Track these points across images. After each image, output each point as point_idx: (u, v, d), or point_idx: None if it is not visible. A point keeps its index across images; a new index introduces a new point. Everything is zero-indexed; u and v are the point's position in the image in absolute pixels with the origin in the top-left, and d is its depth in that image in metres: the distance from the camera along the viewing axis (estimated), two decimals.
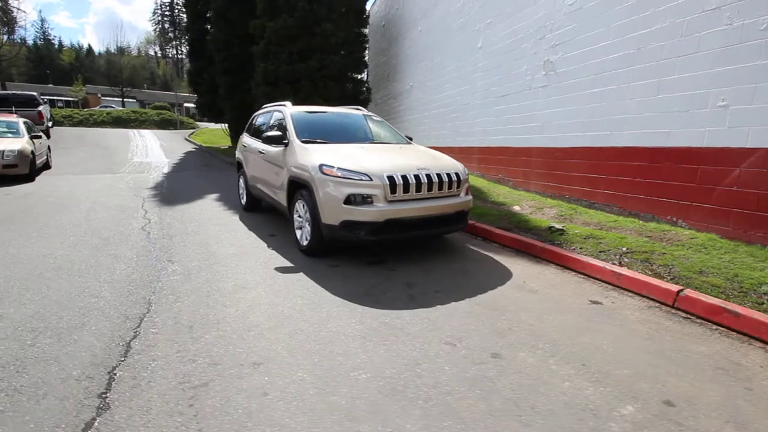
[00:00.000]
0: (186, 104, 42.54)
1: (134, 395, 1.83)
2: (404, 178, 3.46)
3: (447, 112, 10.06)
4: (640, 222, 4.75)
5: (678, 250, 3.85)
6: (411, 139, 5.21)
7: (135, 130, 22.78)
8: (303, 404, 1.79)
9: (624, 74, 5.06)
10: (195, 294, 2.97)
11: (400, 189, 3.45)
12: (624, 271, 3.25)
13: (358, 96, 13.50)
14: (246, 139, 5.94)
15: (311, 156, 3.87)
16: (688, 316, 2.72)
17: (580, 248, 4.09)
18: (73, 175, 9.58)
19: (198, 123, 30.24)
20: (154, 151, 15.96)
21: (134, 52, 59.78)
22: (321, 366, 2.09)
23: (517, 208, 5.91)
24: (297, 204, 4.03)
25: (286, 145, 4.34)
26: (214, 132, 22.00)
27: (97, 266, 3.52)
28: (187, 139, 20.44)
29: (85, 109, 29.78)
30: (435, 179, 3.61)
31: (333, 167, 3.51)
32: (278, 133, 4.46)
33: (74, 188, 7.71)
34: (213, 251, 4.06)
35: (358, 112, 5.42)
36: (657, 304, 2.89)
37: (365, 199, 3.39)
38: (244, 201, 6.15)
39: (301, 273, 3.47)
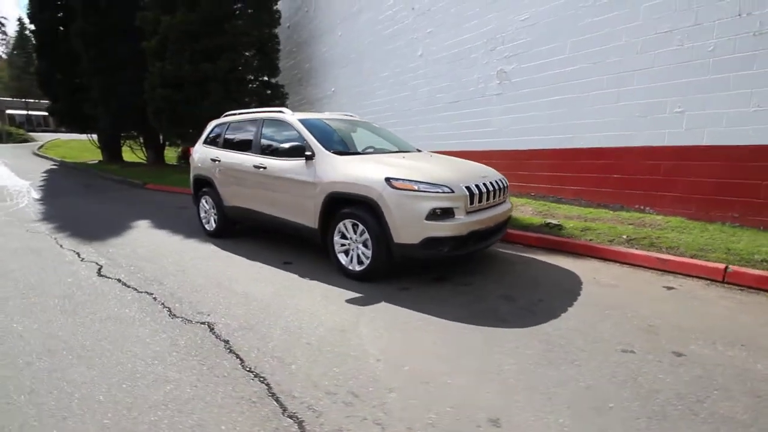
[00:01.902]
0: (9, 111, 33.57)
1: None
2: (478, 188, 3.34)
3: (382, 118, 10.06)
4: (613, 212, 5.48)
5: (666, 233, 4.55)
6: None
7: None
8: None
9: (583, 84, 5.77)
10: (291, 347, 2.38)
11: (476, 199, 3.32)
12: (667, 256, 3.71)
13: (274, 101, 12.61)
14: (214, 152, 4.98)
15: (363, 169, 3.46)
16: (742, 288, 3.25)
17: (590, 240, 4.53)
18: None
19: (33, 134, 24.21)
20: None
21: None
22: (558, 401, 1.88)
23: None
24: (340, 225, 3.55)
25: (309, 158, 3.78)
26: (71, 144, 17.97)
27: (121, 347, 2.55)
28: (37, 154, 16.25)
29: None
30: (496, 186, 3.57)
31: (406, 180, 3.19)
32: (297, 143, 3.85)
33: None
34: (245, 293, 3.30)
35: (354, 118, 5.03)
36: (710, 282, 3.38)
37: (447, 213, 3.17)
38: (211, 226, 5.16)
39: (383, 302, 3.06)
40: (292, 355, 2.32)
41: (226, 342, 2.49)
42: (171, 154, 16.62)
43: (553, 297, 3.12)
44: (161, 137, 14.55)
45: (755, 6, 4.17)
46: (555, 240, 4.45)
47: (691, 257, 3.77)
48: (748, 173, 4.39)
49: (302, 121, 4.12)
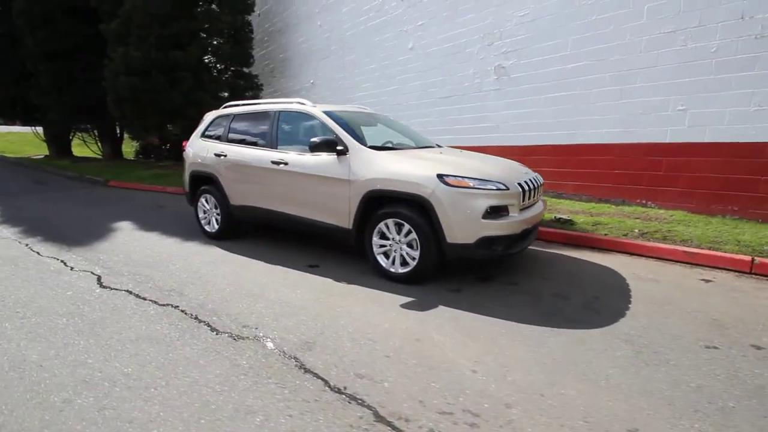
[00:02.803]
0: None
1: None
2: (527, 184, 3.26)
3: None
4: (615, 206, 5.65)
5: (674, 226, 4.74)
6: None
7: None
8: None
9: (585, 81, 5.88)
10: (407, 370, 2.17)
11: (526, 196, 3.23)
12: (694, 250, 3.83)
13: (248, 93, 11.96)
14: (218, 146, 4.54)
15: (408, 165, 3.27)
16: None
17: (605, 234, 4.63)
18: None
19: None
20: None
21: None
22: (681, 405, 1.82)
23: None
24: (381, 225, 3.33)
25: (341, 153, 3.52)
26: (9, 137, 16.10)
27: (174, 373, 2.20)
28: None
29: None
30: (536, 184, 3.51)
31: (461, 177, 3.03)
32: (328, 138, 3.57)
33: None
34: (283, 302, 3.01)
35: (367, 110, 4.78)
36: (739, 273, 3.53)
37: (501, 211, 3.06)
38: (213, 227, 4.73)
39: (441, 306, 2.90)
40: (378, 371, 2.11)
41: (296, 359, 2.22)
42: (127, 149, 15.34)
43: (605, 294, 3.10)
44: (118, 130, 13.37)
45: (757, 10, 4.40)
46: (579, 236, 4.49)
47: (709, 249, 3.94)
48: (747, 169, 4.65)
49: (328, 114, 3.83)
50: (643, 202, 5.53)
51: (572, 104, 6.07)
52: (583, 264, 3.88)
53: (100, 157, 13.35)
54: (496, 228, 3.02)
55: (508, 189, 3.08)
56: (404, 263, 3.30)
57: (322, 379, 2.05)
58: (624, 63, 5.47)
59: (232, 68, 11.39)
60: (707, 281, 3.40)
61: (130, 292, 3.21)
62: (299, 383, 2.02)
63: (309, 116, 3.93)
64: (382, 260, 3.41)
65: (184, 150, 5.12)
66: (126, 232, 5.20)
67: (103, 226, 5.52)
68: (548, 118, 6.37)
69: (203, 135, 4.84)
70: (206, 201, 4.76)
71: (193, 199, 4.91)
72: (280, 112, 4.15)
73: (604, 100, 5.72)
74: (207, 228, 4.82)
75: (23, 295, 3.16)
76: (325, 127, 3.75)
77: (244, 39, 11.42)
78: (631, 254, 4.15)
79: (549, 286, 3.26)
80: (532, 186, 3.39)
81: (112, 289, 3.28)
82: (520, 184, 3.18)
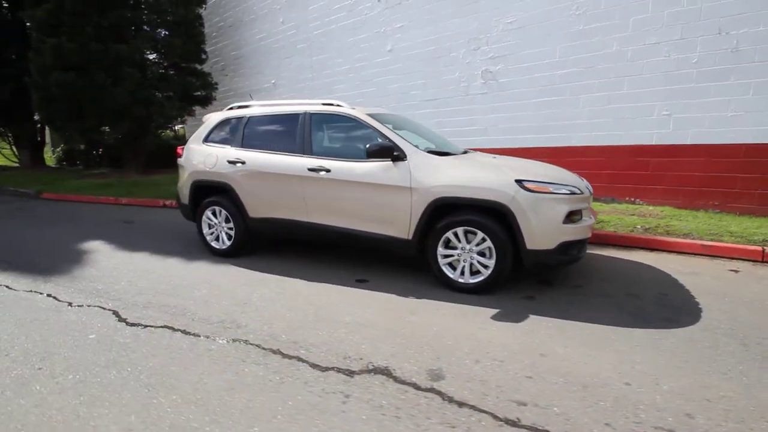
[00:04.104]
0: None
1: None
2: (587, 189, 3.31)
3: None
4: (607, 204, 6.04)
5: (669, 221, 5.17)
6: None
7: None
8: None
9: (574, 87, 6.22)
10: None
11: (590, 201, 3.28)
12: (710, 242, 4.19)
13: (201, 92, 11.00)
14: (231, 152, 4.02)
15: (478, 171, 3.18)
16: None
17: (613, 230, 4.92)
18: None
19: None
20: None
21: None
22: None
23: None
24: (448, 234, 3.16)
25: (398, 159, 3.30)
26: None
27: (313, 424, 1.84)
28: None
29: None
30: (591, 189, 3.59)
31: (541, 183, 2.98)
32: (383, 143, 3.31)
33: None
34: (361, 323, 2.71)
35: (383, 111, 4.55)
36: (753, 262, 3.91)
37: (576, 215, 3.06)
38: (222, 243, 4.20)
39: (531, 315, 2.81)
40: (535, 396, 1.96)
41: (438, 392, 1.99)
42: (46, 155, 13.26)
43: (670, 292, 3.22)
44: (38, 134, 11.50)
45: (732, 26, 4.96)
46: (606, 235, 4.70)
47: (711, 241, 4.34)
48: (726, 168, 5.23)
49: (374, 117, 3.57)
50: (632, 199, 5.98)
51: (562, 109, 6.38)
52: (618, 262, 4.06)
53: (16, 164, 11.35)
54: (573, 233, 3.02)
55: (582, 193, 3.10)
56: (474, 273, 3.17)
57: (486, 412, 1.85)
58: (611, 71, 5.87)
59: (183, 65, 10.34)
60: (735, 271, 3.73)
61: (172, 328, 2.69)
62: (465, 419, 1.80)
63: (349, 119, 3.64)
64: (448, 271, 3.25)
65: (179, 156, 4.48)
66: (106, 254, 4.42)
67: (70, 248, 4.65)
68: (537, 121, 6.64)
69: (206, 140, 4.27)
70: (213, 214, 4.20)
71: (196, 213, 4.31)
72: (311, 114, 3.79)
73: (593, 105, 6.09)
74: (214, 244, 4.26)
75: (29, 344, 2.50)
76: (371, 131, 3.49)
77: (196, 33, 10.45)
78: (651, 249, 4.43)
79: (614, 287, 3.33)
80: (590, 190, 3.45)
81: (144, 326, 2.73)
82: (588, 188, 3.22)
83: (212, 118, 4.34)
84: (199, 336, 2.59)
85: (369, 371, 2.18)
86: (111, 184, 8.81)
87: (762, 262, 3.92)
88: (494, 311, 2.89)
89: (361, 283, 3.51)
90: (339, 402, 1.92)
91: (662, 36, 5.43)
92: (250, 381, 2.10)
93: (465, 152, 4.25)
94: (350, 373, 2.16)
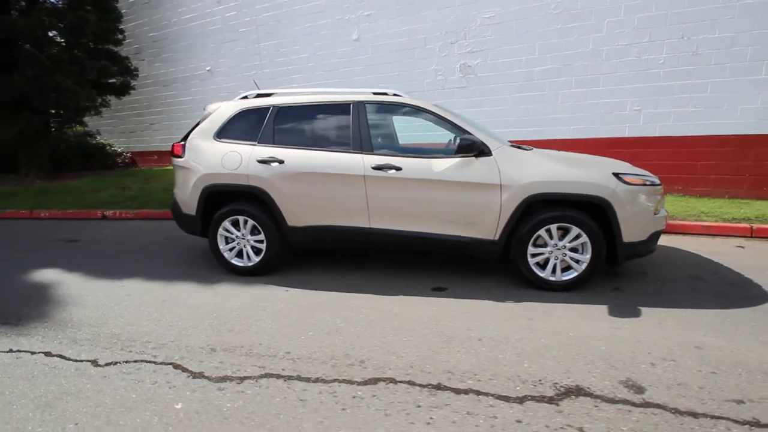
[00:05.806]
0: None
1: None
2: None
3: None
4: None
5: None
6: None
7: None
8: None
9: (553, 83, 6.55)
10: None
11: None
12: (708, 222, 4.71)
13: (121, 78, 9.30)
14: (260, 149, 3.32)
15: (572, 165, 3.08)
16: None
17: None
18: None
19: None
20: None
21: None
22: None
23: None
24: (540, 232, 3.01)
25: (481, 154, 3.04)
26: None
27: None
28: None
29: None
30: None
31: (636, 175, 2.99)
32: (471, 137, 3.00)
33: None
34: (492, 338, 2.44)
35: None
36: (746, 238, 4.49)
37: (658, 206, 3.14)
38: (249, 260, 3.49)
39: (641, 308, 2.81)
40: (743, 392, 1.91)
41: (657, 405, 1.82)
42: None
43: (718, 271, 3.49)
44: None
45: (694, 32, 5.64)
46: None
47: (696, 221, 4.93)
48: (688, 157, 5.97)
49: (439, 107, 3.24)
50: None
51: (540, 104, 6.68)
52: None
53: None
54: (660, 223, 3.12)
55: (661, 185, 3.19)
56: (565, 269, 3.08)
57: (721, 417, 1.74)
58: (588, 68, 6.30)
59: (98, 46, 8.53)
60: (741, 247, 4.24)
61: (277, 376, 2.09)
62: (714, 428, 1.67)
63: (416, 109, 3.27)
64: (536, 270, 3.10)
65: (178, 155, 3.59)
66: (80, 287, 3.39)
67: (23, 283, 3.48)
68: (517, 115, 6.86)
69: (219, 135, 3.48)
70: (234, 225, 3.46)
71: (210, 226, 3.50)
72: (363, 103, 3.29)
73: (572, 101, 6.48)
74: (236, 261, 3.52)
75: (64, 417, 1.72)
76: (446, 123, 3.19)
77: (110, 8, 8.70)
78: (686, 233, 4.78)
79: (676, 272, 3.49)
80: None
81: (239, 378, 2.08)
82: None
83: (223, 109, 3.55)
84: (325, 382, 2.05)
85: (565, 394, 1.93)
86: (12, 193, 6.88)
87: (751, 236, 4.54)
88: (603, 307, 2.83)
89: (440, 291, 3.18)
90: None
91: (634, 38, 5.97)
92: (451, 431, 1.70)
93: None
94: (550, 400, 1.89)
